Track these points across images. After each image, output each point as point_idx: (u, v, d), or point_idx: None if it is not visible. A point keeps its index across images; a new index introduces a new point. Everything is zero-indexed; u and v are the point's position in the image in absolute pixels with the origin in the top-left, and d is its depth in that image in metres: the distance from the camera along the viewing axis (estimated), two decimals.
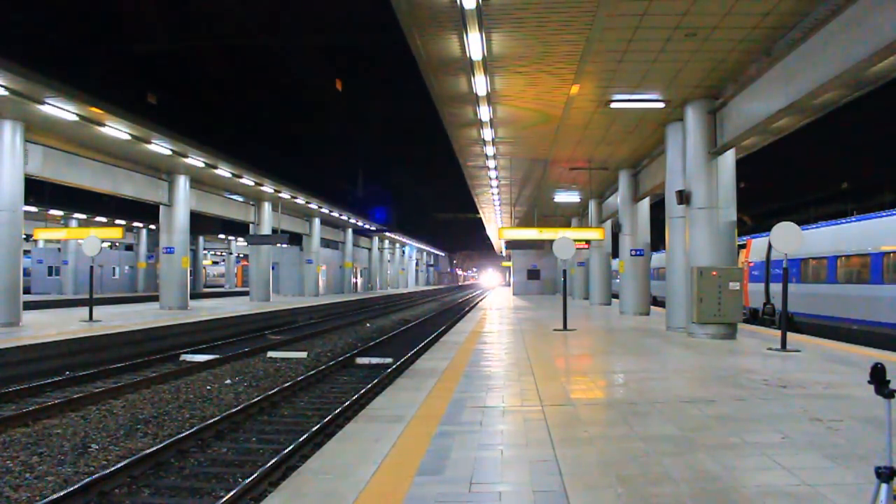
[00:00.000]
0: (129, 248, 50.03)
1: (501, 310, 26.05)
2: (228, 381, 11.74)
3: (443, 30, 9.97)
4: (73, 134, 16.88)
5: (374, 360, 13.98)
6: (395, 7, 9.20)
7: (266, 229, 30.91)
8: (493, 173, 21.98)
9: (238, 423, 8.46)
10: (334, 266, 47.42)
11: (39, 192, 27.67)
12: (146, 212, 30.04)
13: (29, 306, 20.49)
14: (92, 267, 17.86)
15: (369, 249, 57.54)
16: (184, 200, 23.71)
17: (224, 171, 22.96)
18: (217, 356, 14.15)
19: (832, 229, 16.02)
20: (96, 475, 5.96)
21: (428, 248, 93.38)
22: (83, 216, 36.37)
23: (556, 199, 28.47)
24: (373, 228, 49.18)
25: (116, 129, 16.46)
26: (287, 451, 6.72)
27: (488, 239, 61.52)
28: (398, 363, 13.01)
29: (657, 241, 20.70)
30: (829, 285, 15.29)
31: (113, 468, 6.15)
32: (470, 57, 10.46)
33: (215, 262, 78.74)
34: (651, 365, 9.85)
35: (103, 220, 36.91)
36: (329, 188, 37.47)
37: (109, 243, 46.77)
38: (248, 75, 39.33)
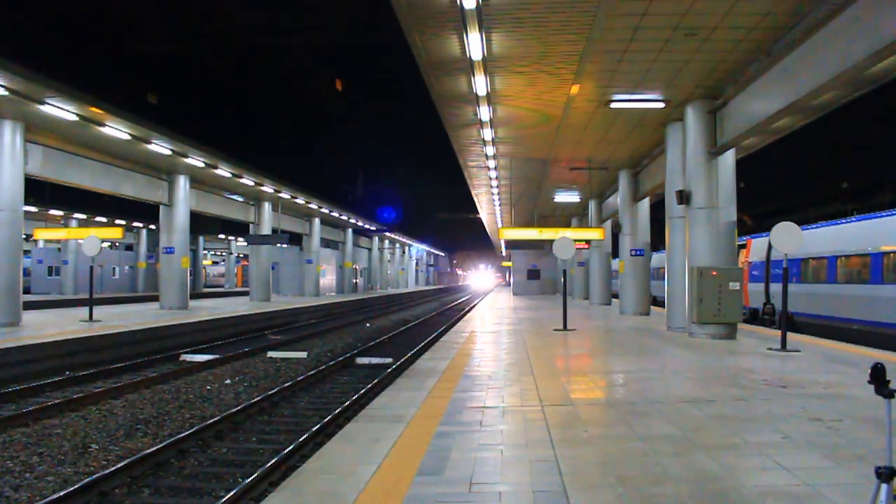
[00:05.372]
0: (129, 248, 49.97)
1: (501, 310, 26.04)
2: (228, 381, 11.74)
3: (443, 30, 9.97)
4: (73, 134, 16.86)
5: (375, 360, 13.98)
6: (395, 7, 9.20)
7: (266, 229, 30.90)
8: (493, 173, 21.97)
9: (238, 423, 8.46)
10: (334, 266, 47.41)
11: (39, 192, 27.65)
12: (146, 212, 30.02)
13: (29, 306, 20.49)
14: (92, 267, 17.86)
15: (369, 249, 57.54)
16: (184, 200, 23.70)
17: (224, 171, 22.95)
18: (217, 356, 14.15)
19: (832, 229, 16.01)
20: (96, 475, 5.97)
21: (428, 248, 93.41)
22: (83, 216, 36.35)
23: (556, 199, 28.47)
24: (373, 228, 49.19)
25: (116, 129, 16.45)
26: (287, 451, 6.72)
27: (488, 239, 61.50)
28: (398, 363, 13.00)
29: (657, 241, 20.70)
30: (829, 285, 15.28)
31: (113, 468, 6.15)
32: (470, 57, 10.45)
33: (215, 262, 78.67)
34: (651, 365, 9.85)
35: (103, 220, 36.89)
36: (329, 188, 37.49)
37: (109, 243, 46.73)
38: (248, 75, 39.34)
